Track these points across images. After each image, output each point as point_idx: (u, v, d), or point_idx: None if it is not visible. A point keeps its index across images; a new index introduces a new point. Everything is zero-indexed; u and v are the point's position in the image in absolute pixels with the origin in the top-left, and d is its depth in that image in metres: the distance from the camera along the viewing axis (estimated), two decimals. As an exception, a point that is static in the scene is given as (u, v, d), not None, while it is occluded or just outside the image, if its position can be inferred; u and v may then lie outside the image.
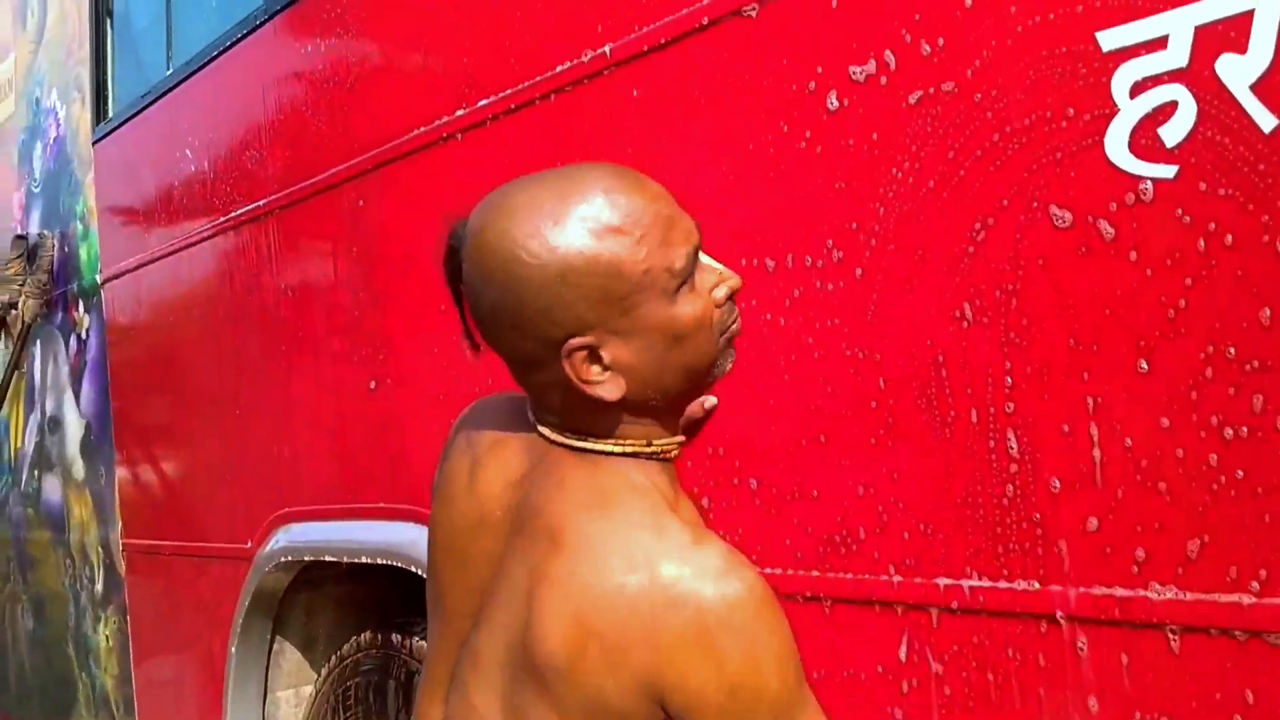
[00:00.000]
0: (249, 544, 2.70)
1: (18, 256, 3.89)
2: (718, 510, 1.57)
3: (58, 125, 3.68)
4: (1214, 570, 1.12)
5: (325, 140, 2.41)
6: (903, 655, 1.37)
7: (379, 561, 2.28)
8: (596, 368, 0.99)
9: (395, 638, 2.40)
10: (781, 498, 1.51)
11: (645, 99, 1.68)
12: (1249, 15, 1.08)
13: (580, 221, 0.96)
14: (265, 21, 2.57)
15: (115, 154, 3.32)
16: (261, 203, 2.61)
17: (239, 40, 2.67)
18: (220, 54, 2.75)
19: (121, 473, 3.34)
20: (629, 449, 1.03)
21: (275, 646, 2.79)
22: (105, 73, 3.39)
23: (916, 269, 1.35)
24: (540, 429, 1.07)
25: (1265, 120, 1.08)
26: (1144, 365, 1.16)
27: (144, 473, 3.26)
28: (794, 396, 1.48)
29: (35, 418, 3.97)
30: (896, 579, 1.38)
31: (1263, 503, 1.09)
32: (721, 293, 1.02)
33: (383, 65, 2.27)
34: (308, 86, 2.46)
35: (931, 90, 1.32)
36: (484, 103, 1.96)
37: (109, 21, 3.40)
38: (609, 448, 1.03)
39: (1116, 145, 1.18)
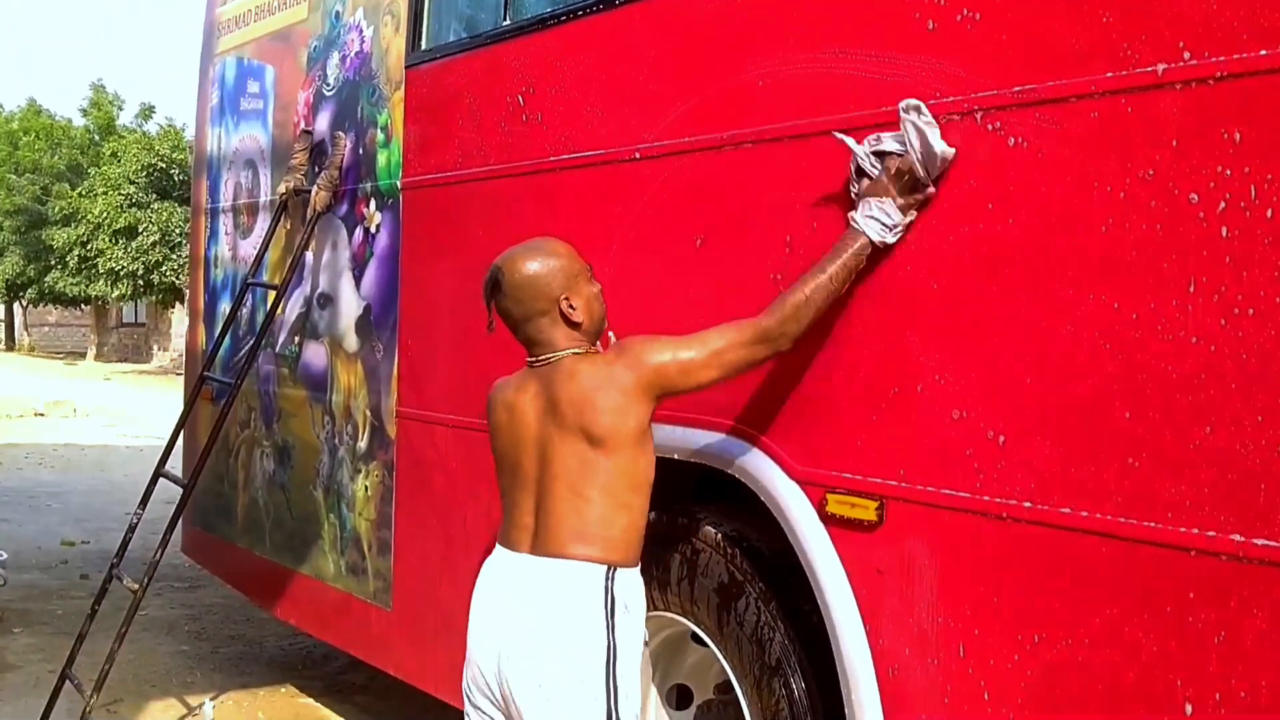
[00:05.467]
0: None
1: (304, 149, 4.44)
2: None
3: (362, 42, 4.19)
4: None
5: (670, 115, 2.91)
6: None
7: (674, 458, 2.84)
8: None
9: (680, 520, 2.97)
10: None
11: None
12: None
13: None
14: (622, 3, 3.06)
15: (431, 80, 3.85)
16: (599, 152, 3.13)
17: (593, 12, 3.16)
18: (570, 20, 3.25)
19: (404, 353, 3.91)
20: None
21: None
22: (423, 7, 3.90)
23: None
24: (542, 358, 2.49)
25: None
26: None
27: (427, 356, 3.83)
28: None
29: (302, 292, 4.54)
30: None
31: None
32: (596, 288, 2.55)
33: (734, 54, 2.75)
34: (654, 65, 2.95)
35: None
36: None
37: (431, -37, 3.91)
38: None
39: None
